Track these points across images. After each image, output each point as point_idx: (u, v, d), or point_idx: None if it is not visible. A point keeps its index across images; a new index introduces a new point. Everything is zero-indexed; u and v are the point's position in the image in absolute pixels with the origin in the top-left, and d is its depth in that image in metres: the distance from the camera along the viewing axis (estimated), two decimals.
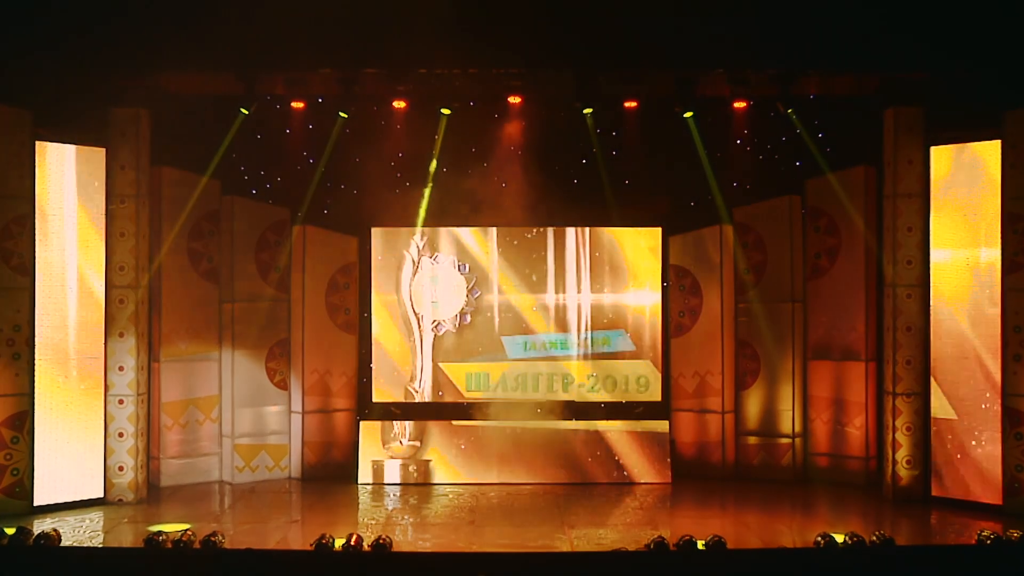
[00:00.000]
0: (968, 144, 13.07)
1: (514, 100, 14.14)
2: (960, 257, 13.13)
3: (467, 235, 15.33)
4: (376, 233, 15.33)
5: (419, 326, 15.29)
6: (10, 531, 10.48)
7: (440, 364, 15.24)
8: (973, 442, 13.01)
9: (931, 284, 13.32)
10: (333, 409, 15.22)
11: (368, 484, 14.73)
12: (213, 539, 10.28)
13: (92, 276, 13.38)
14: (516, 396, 15.18)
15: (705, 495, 14.25)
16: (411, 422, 14.98)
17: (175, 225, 14.36)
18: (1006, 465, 12.71)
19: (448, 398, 15.25)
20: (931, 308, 13.32)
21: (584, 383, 15.22)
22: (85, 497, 13.24)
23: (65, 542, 10.81)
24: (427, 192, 14.89)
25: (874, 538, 10.26)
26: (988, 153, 12.90)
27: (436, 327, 15.28)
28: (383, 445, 14.92)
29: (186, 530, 10.47)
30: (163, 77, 13.45)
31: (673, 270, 15.39)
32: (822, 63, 13.05)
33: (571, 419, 15.02)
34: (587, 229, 15.29)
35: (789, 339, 14.85)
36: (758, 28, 12.31)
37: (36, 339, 12.88)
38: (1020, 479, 12.62)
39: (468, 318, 15.29)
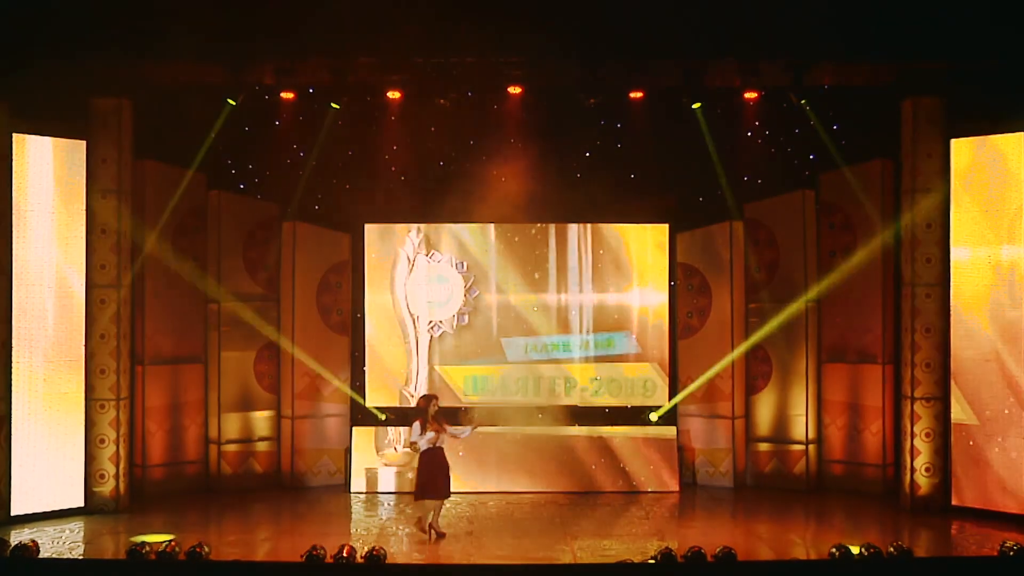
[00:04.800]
0: (990, 136, 13.02)
1: (514, 90, 14.10)
2: (981, 255, 13.08)
3: (465, 232, 15.31)
4: (370, 230, 15.31)
5: (415, 327, 15.27)
6: None
7: (439, 367, 15.22)
8: (996, 449, 12.96)
9: (951, 283, 13.28)
10: (325, 414, 15.20)
11: (361, 493, 14.70)
12: (199, 550, 10.25)
13: (72, 275, 13.34)
14: (516, 400, 15.16)
15: (714, 504, 14.22)
16: (406, 427, 14.94)
17: (159, 221, 14.32)
18: None
19: (446, 402, 15.20)
20: (951, 308, 13.28)
21: (587, 387, 15.20)
22: (65, 506, 13.21)
23: (44, 553, 10.77)
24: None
25: (891, 549, 10.23)
26: (1011, 146, 12.86)
27: (432, 328, 15.26)
28: (377, 452, 14.89)
29: (170, 541, 10.44)
30: (147, 66, 13.40)
31: (681, 268, 15.37)
32: (837, 51, 13.02)
33: (574, 424, 15.01)
34: (591, 225, 15.28)
35: (802, 340, 14.82)
36: (769, 14, 12.26)
37: (13, 341, 12.83)
38: None
39: (466, 319, 15.26)
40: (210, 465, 14.82)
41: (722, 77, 13.70)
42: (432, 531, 12.23)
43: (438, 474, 12.19)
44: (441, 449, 12.26)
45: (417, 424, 12.27)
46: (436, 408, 12.32)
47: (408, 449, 13.52)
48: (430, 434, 12.19)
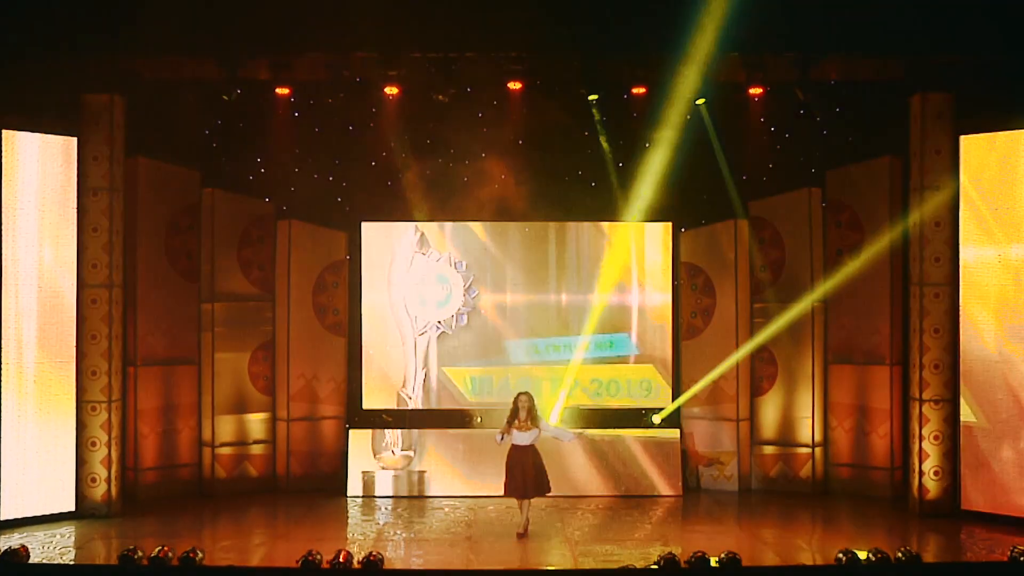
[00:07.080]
0: (1001, 133, 13.00)
1: (514, 86, 14.08)
2: (991, 254, 13.07)
3: (464, 230, 15.29)
4: (367, 228, 15.29)
5: (413, 327, 15.25)
6: None
7: (438, 368, 15.21)
8: (1006, 452, 12.95)
9: (960, 283, 13.26)
10: (320, 416, 15.19)
11: (358, 497, 14.69)
12: (192, 555, 10.23)
13: (63, 274, 13.32)
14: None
15: (718, 508, 14.21)
16: (404, 431, 14.94)
17: (152, 220, 14.31)
18: None
19: (445, 404, 15.22)
20: (960, 309, 13.27)
21: (588, 388, 15.18)
22: (56, 511, 13.19)
23: (34, 559, 10.74)
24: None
25: (900, 554, 10.21)
26: (1021, 143, 12.84)
27: (431, 329, 15.24)
28: (374, 455, 14.88)
29: (163, 546, 10.42)
30: (139, 61, 13.40)
31: (684, 268, 15.35)
32: (844, 45, 12.99)
33: (575, 427, 14.98)
34: (591, 224, 15.26)
35: (809, 341, 14.81)
36: (775, 8, 12.24)
37: (2, 342, 12.82)
38: None
39: (465, 319, 15.24)
40: (204, 468, 14.81)
41: (727, 72, 13.67)
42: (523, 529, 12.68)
43: (511, 472, 12.73)
44: (527, 448, 12.71)
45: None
46: (526, 405, 12.71)
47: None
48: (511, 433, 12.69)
